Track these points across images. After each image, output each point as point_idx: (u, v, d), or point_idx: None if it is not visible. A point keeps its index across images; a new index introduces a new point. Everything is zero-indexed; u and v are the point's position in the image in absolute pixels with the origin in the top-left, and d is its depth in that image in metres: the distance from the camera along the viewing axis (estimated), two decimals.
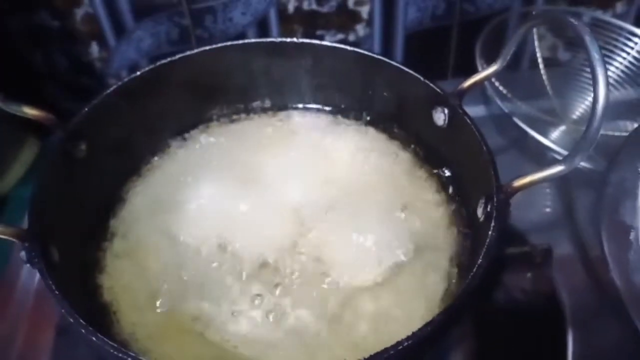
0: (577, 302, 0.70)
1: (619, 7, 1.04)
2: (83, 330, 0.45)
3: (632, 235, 0.57)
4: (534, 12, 0.94)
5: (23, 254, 0.51)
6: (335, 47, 0.70)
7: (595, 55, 0.50)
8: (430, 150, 0.69)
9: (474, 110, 0.86)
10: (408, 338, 0.44)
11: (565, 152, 0.79)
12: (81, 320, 0.45)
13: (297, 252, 0.63)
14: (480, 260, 0.49)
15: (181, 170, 0.70)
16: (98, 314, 0.59)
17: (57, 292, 0.47)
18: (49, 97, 1.06)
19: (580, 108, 0.93)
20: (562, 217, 0.80)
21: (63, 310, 0.46)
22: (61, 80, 1.03)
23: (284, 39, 0.71)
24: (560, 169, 0.51)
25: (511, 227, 0.75)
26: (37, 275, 0.77)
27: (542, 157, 0.82)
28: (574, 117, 0.92)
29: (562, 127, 0.91)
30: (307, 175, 0.70)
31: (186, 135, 0.74)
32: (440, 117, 0.65)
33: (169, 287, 0.60)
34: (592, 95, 0.91)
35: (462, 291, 0.48)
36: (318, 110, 0.77)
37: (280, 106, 0.77)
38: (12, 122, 0.94)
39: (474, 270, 0.48)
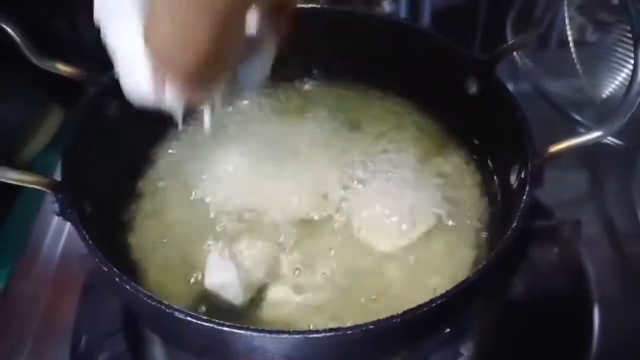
0: (603, 278, 0.70)
1: None
2: (117, 279, 0.45)
3: None
4: None
5: (55, 206, 0.51)
6: (365, 16, 0.69)
7: (638, 18, 0.49)
8: (462, 118, 0.69)
9: None
10: (442, 296, 0.44)
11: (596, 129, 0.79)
12: (114, 269, 0.45)
13: (328, 217, 0.62)
14: (515, 224, 0.48)
15: (211, 136, 0.70)
16: (126, 272, 0.59)
17: (90, 242, 0.47)
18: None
19: (610, 88, 0.92)
20: (591, 194, 0.79)
21: (97, 260, 0.46)
22: (88, 52, 1.03)
23: (307, 5, 0.70)
24: (598, 134, 0.51)
25: (539, 202, 0.74)
26: (62, 240, 0.78)
27: (573, 134, 0.81)
28: (604, 96, 0.91)
29: (592, 107, 0.90)
30: (337, 145, 0.69)
31: None
32: (472, 84, 0.64)
33: (196, 248, 0.60)
34: (622, 74, 0.91)
35: (497, 253, 0.47)
36: (345, 80, 0.76)
37: (307, 76, 0.77)
38: (37, 90, 0.95)
39: (509, 233, 0.48)
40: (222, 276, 0.55)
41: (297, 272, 0.58)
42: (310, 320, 0.54)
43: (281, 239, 0.60)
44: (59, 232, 0.78)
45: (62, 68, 0.58)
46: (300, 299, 0.56)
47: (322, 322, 0.53)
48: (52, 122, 0.97)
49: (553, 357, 0.66)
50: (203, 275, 0.57)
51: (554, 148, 0.52)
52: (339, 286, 0.56)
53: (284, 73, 0.76)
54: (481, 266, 0.46)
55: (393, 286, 0.56)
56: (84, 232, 0.48)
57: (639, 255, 0.70)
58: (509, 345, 0.66)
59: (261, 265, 0.57)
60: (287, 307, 0.55)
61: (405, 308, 0.43)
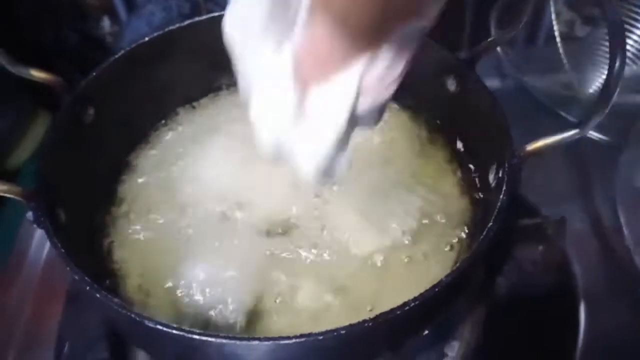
0: (589, 275, 0.70)
1: None
2: (88, 288, 0.44)
3: None
4: None
5: (30, 214, 0.51)
6: None
7: (613, 15, 0.48)
8: (442, 118, 0.68)
9: (488, 83, 0.85)
10: (415, 299, 0.43)
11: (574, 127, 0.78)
12: (86, 278, 0.45)
13: (307, 219, 0.62)
14: (491, 224, 0.48)
15: (190, 137, 0.70)
16: (106, 278, 0.59)
17: (62, 250, 0.47)
18: (61, 73, 1.06)
19: (597, 82, 0.91)
20: (576, 189, 0.78)
21: (68, 268, 0.46)
22: (72, 56, 1.03)
23: None
24: (575, 132, 0.50)
25: (523, 199, 0.74)
26: (46, 247, 0.78)
27: (558, 130, 0.81)
28: (591, 91, 0.90)
29: (579, 102, 0.89)
30: None
31: (195, 103, 0.74)
32: (452, 83, 0.64)
33: (178, 253, 0.60)
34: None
35: (472, 254, 0.47)
36: None
37: None
38: (23, 97, 0.95)
39: (484, 233, 0.47)
40: None
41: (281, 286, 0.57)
42: None
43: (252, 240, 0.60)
44: (43, 240, 0.78)
45: (36, 74, 0.57)
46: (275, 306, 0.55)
47: None
48: (39, 127, 0.97)
49: (539, 355, 0.65)
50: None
51: (532, 146, 0.51)
52: (311, 289, 0.56)
53: None
54: (456, 269, 0.45)
55: (369, 286, 0.56)
56: (56, 240, 0.47)
57: (625, 251, 0.69)
58: (494, 345, 0.65)
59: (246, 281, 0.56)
60: (261, 313, 0.55)
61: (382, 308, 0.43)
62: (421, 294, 0.44)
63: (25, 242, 0.79)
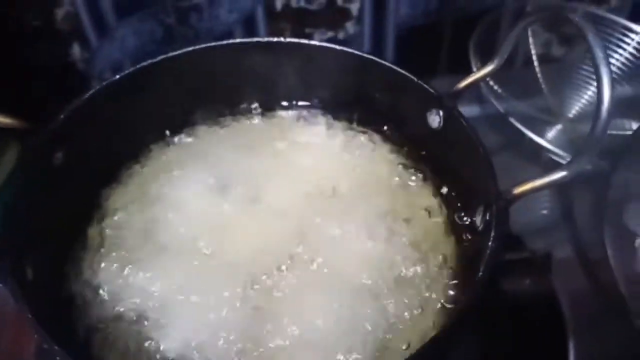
0: (577, 307, 0.68)
1: (614, 1, 1.02)
2: (58, 358, 0.42)
3: (637, 243, 0.55)
4: (529, 9, 0.91)
5: None
6: (324, 47, 0.67)
7: (599, 54, 0.47)
8: (425, 153, 0.67)
9: (468, 110, 0.84)
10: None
11: (562, 153, 0.78)
12: (56, 347, 0.42)
13: (285, 260, 0.59)
14: (481, 274, 0.46)
15: (164, 175, 0.67)
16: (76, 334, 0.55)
17: (30, 316, 0.44)
18: (36, 97, 1.02)
19: (576, 106, 0.91)
20: (561, 220, 0.77)
21: (36, 336, 0.43)
22: (46, 81, 1.00)
23: (270, 39, 0.68)
24: (563, 174, 0.49)
25: (509, 232, 0.73)
26: None
27: (539, 157, 0.80)
28: (570, 115, 0.90)
29: (558, 126, 0.89)
30: (297, 180, 0.67)
31: (169, 139, 0.71)
32: (435, 119, 0.62)
33: (153, 299, 0.57)
34: (588, 92, 0.90)
35: (462, 306, 0.45)
36: (307, 111, 0.74)
37: (268, 107, 0.74)
38: None
39: (475, 283, 0.46)
40: None
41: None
42: None
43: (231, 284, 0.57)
44: None
45: (1, 120, 0.54)
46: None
47: None
48: (9, 158, 0.94)
49: None
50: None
51: (518, 190, 0.50)
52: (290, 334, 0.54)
53: (244, 107, 0.74)
54: (446, 325, 0.44)
55: (355, 334, 0.53)
56: (25, 305, 0.44)
57: (612, 282, 0.69)
58: None
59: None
60: None
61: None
62: (417, 352, 0.42)
63: None
